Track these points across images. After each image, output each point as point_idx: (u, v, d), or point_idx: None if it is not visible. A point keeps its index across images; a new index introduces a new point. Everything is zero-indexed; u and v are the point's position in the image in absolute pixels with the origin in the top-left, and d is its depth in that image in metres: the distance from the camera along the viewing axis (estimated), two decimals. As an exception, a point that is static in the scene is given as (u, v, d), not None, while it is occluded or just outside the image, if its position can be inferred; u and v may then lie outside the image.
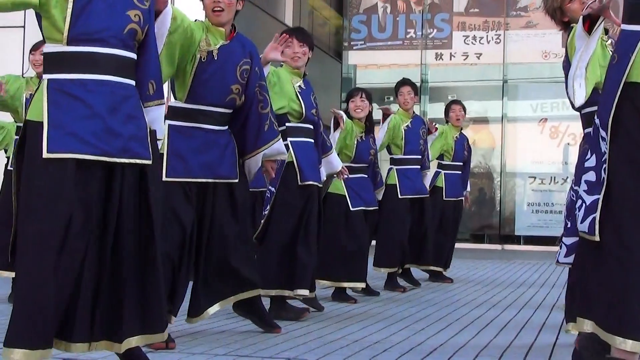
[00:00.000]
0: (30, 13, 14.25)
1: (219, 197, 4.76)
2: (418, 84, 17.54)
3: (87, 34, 3.32)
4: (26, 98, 6.47)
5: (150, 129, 3.50)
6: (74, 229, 3.22)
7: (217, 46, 4.63)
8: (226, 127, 4.82)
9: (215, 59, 4.61)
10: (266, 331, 5.20)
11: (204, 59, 4.63)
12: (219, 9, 4.63)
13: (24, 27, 14.99)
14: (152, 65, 3.52)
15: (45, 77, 3.32)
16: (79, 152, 3.24)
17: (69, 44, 3.32)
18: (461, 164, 9.39)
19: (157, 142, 3.61)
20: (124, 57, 3.39)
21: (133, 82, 3.45)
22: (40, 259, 3.16)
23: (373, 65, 18.11)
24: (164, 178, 4.43)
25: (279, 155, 5.10)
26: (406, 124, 8.33)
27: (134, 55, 3.45)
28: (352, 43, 17.96)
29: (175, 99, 4.71)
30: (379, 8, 17.88)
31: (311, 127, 5.98)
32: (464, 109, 9.62)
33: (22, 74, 13.87)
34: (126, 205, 3.38)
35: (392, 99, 17.76)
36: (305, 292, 5.82)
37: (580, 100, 3.88)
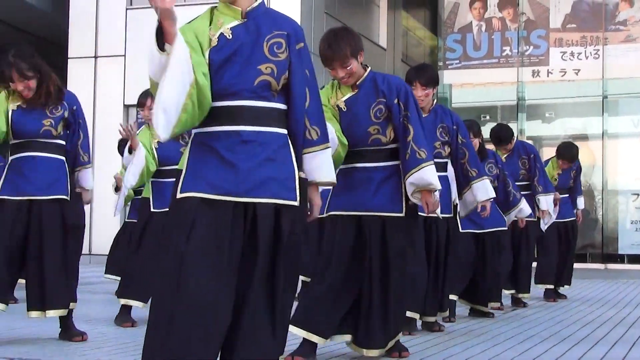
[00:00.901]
0: (131, 42, 14.56)
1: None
2: (514, 102, 17.49)
3: (223, 89, 3.52)
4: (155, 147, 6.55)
5: (297, 173, 3.59)
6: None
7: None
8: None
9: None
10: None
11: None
12: None
13: (124, 56, 15.35)
14: (297, 111, 3.61)
15: (192, 131, 3.60)
16: (204, 192, 3.45)
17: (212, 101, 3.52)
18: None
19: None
20: (257, 107, 3.54)
21: (274, 129, 3.57)
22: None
23: (468, 84, 17.98)
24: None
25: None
26: (504, 156, 8.66)
27: (273, 105, 3.58)
28: (447, 62, 17.87)
29: None
30: (474, 26, 17.77)
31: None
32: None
33: (124, 101, 14.19)
34: (260, 242, 3.47)
35: (488, 117, 17.64)
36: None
37: None
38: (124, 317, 6.46)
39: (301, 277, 5.86)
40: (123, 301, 6.49)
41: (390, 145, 4.98)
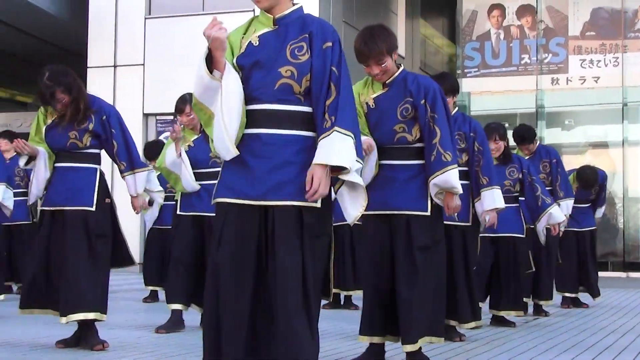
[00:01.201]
0: (150, 51, 14.62)
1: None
2: (533, 109, 17.42)
3: (247, 94, 3.61)
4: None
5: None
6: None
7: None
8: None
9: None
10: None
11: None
12: None
13: (143, 64, 15.39)
14: (318, 109, 3.60)
15: None
16: (227, 197, 3.62)
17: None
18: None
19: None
20: (279, 111, 3.59)
21: (296, 132, 3.61)
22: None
23: (487, 92, 17.94)
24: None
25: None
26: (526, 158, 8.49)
27: (297, 108, 3.61)
28: (465, 70, 17.83)
29: None
30: (492, 34, 17.73)
31: None
32: None
33: (143, 109, 14.24)
34: (282, 242, 3.51)
35: (507, 125, 17.57)
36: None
37: None
38: (175, 322, 6.53)
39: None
40: (173, 307, 6.53)
41: (416, 144, 4.97)
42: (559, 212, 7.72)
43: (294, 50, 3.61)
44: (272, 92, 3.58)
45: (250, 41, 3.66)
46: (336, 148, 3.52)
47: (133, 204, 5.91)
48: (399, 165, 4.96)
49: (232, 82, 3.53)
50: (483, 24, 17.88)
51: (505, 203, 6.44)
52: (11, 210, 8.21)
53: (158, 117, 15.24)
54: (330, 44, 3.63)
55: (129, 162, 5.80)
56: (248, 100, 3.61)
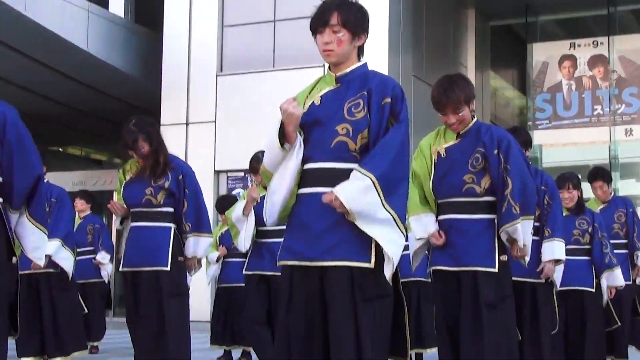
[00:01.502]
0: (222, 109, 14.78)
1: None
2: (607, 161, 17.14)
3: (306, 152, 3.64)
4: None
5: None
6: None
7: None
8: None
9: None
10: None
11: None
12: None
13: (215, 122, 15.56)
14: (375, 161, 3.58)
15: None
16: (288, 259, 3.64)
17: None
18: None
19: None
20: (335, 169, 3.59)
21: None
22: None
23: (559, 144, 17.75)
24: None
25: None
26: (599, 208, 8.14)
27: (351, 165, 3.58)
28: (536, 122, 17.68)
29: None
30: (564, 86, 17.58)
31: None
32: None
33: (214, 166, 14.35)
34: (335, 305, 3.50)
35: (579, 176, 17.33)
36: None
37: None
38: None
39: None
40: None
41: (484, 198, 4.89)
42: (620, 276, 7.53)
43: (350, 108, 3.60)
44: (329, 150, 3.58)
45: (313, 101, 3.69)
46: (349, 186, 3.52)
47: (188, 264, 5.91)
48: (467, 219, 4.89)
49: (294, 163, 3.61)
50: (554, 75, 17.75)
51: (574, 255, 6.31)
52: (67, 271, 8.25)
53: (229, 174, 15.35)
54: (389, 99, 3.61)
55: (196, 224, 5.83)
56: (306, 159, 3.62)
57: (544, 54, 17.87)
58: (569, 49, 17.72)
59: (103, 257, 9.86)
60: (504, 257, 4.87)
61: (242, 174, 14.54)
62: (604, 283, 7.43)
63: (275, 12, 15.22)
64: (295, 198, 3.66)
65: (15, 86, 16.74)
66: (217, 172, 15.50)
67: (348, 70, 3.70)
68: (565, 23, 18.58)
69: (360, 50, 3.75)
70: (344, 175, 3.54)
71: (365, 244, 3.52)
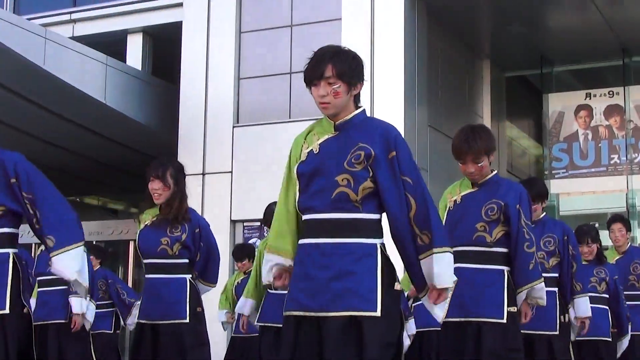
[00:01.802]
0: (238, 159, 14.80)
1: None
2: (624, 209, 17.05)
3: (306, 202, 3.66)
4: None
5: (380, 283, 3.56)
6: None
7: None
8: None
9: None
10: None
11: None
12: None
13: (231, 172, 15.59)
14: (397, 220, 3.61)
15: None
16: (291, 310, 3.62)
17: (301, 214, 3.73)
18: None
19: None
20: (337, 219, 3.58)
21: (356, 240, 3.57)
22: None
23: (576, 193, 17.69)
24: None
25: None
26: (616, 258, 8.10)
27: (355, 215, 3.58)
28: (553, 172, 17.65)
29: None
30: (580, 135, 17.57)
31: None
32: None
33: (230, 216, 14.35)
34: (338, 354, 3.46)
35: (597, 224, 17.24)
36: None
37: None
38: None
39: None
40: None
41: (495, 248, 4.87)
42: (627, 337, 7.50)
43: (351, 159, 3.58)
44: (330, 200, 3.57)
45: (311, 149, 3.67)
46: (445, 268, 3.57)
47: None
48: (475, 269, 4.87)
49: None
50: (570, 124, 17.75)
51: (591, 302, 6.33)
52: (91, 323, 8.30)
53: (245, 224, 15.34)
54: (394, 153, 3.59)
55: (201, 272, 5.85)
56: (307, 209, 3.62)
57: (559, 104, 17.89)
58: (585, 99, 17.74)
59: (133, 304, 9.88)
60: (513, 309, 4.83)
61: (258, 223, 14.51)
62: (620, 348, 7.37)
63: (292, 65, 15.30)
64: (300, 247, 3.66)
65: (34, 138, 16.84)
66: (234, 222, 15.49)
67: (348, 117, 3.67)
68: (581, 73, 18.61)
69: (357, 98, 3.72)
70: (346, 225, 3.56)
71: (370, 292, 3.50)
